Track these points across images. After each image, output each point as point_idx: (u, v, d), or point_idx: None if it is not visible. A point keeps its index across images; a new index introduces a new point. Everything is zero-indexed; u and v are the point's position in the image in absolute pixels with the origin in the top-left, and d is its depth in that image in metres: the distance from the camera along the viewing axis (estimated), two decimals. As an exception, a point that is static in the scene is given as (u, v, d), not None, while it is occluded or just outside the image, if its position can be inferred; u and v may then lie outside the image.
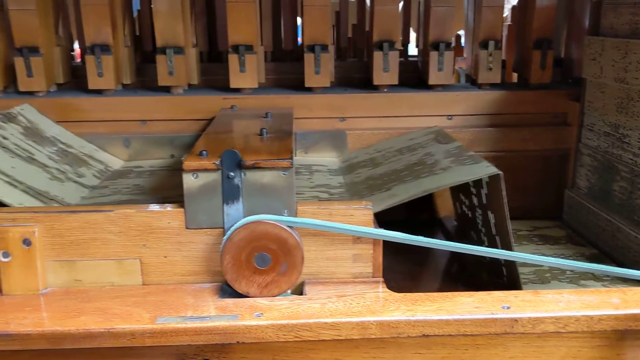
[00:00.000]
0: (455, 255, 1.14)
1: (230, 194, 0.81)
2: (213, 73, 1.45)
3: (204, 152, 0.83)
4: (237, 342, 0.72)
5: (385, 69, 1.32)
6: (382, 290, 0.81)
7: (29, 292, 0.80)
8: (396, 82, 1.33)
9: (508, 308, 0.75)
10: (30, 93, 1.28)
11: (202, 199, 0.81)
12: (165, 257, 0.82)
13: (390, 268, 0.89)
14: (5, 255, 0.79)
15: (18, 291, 0.80)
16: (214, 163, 0.80)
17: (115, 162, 1.24)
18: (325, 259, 0.84)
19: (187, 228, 0.81)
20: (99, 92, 1.29)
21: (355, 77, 1.48)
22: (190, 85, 1.36)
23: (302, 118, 1.29)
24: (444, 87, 1.35)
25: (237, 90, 1.31)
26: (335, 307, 0.76)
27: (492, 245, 0.99)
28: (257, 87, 1.32)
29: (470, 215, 1.09)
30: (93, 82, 1.27)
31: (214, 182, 0.80)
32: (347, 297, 0.79)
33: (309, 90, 1.34)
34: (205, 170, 0.80)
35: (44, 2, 1.27)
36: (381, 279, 0.84)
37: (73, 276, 0.82)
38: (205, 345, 0.73)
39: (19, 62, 1.25)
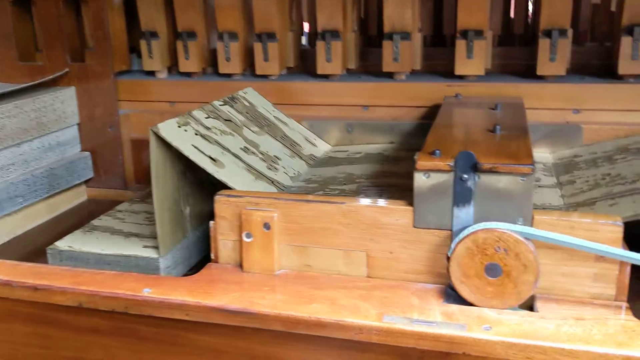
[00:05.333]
0: None
1: (461, 196, 0.78)
2: (435, 58, 1.41)
3: (437, 151, 0.80)
4: (463, 353, 0.70)
5: (634, 57, 1.17)
6: (627, 317, 0.73)
7: (265, 272, 0.86)
8: (646, 72, 1.17)
9: None
10: (265, 76, 1.37)
11: (432, 199, 0.79)
12: (391, 253, 0.83)
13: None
14: (248, 236, 0.86)
15: (256, 270, 0.86)
16: (447, 164, 0.77)
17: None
18: (561, 274, 0.77)
19: (414, 227, 0.81)
20: (325, 76, 1.34)
21: (593, 64, 1.34)
22: (412, 71, 1.34)
23: (530, 108, 1.20)
24: None
25: (461, 77, 1.27)
26: (572, 331, 0.70)
27: None
28: (482, 74, 1.26)
29: None
30: (321, 67, 1.32)
31: (445, 183, 0.78)
32: (586, 321, 0.72)
33: (540, 78, 1.24)
34: (438, 170, 0.78)
35: (282, -11, 1.34)
36: (625, 304, 0.75)
37: (304, 261, 0.86)
38: (430, 351, 0.72)
39: (257, 47, 1.34)
